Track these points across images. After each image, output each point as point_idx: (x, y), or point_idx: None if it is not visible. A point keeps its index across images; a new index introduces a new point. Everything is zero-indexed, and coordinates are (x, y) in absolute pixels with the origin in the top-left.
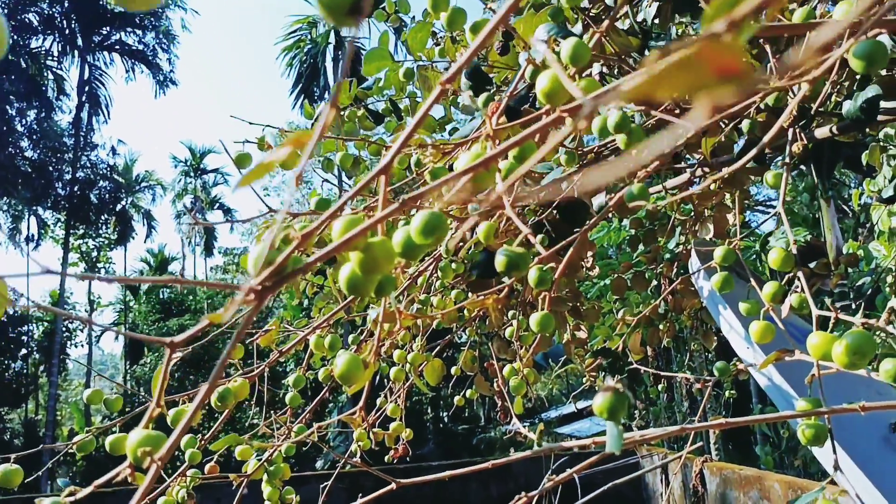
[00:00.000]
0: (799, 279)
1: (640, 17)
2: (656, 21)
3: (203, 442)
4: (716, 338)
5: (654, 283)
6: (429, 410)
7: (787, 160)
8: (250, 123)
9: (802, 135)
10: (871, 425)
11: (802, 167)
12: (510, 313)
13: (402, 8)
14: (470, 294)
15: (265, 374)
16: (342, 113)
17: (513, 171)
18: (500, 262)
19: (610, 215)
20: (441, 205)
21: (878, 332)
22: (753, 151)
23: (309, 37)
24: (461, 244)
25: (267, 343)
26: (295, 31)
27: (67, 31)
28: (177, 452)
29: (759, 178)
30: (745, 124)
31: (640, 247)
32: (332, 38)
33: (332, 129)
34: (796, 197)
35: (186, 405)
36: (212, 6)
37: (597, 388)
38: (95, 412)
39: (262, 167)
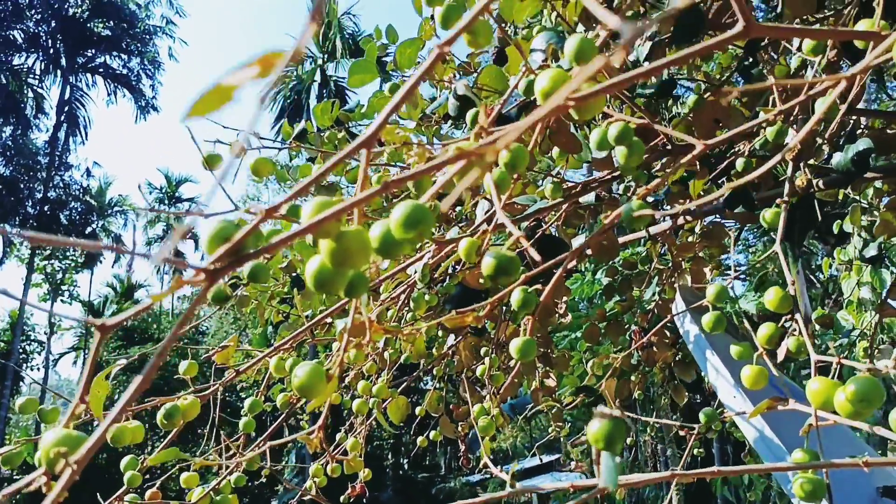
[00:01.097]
0: (796, 321)
1: (632, 57)
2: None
3: (144, 465)
4: (687, 395)
5: (627, 333)
6: (389, 456)
7: (787, 197)
8: (224, 127)
9: (807, 169)
10: (861, 486)
11: (773, 233)
12: (482, 351)
13: (389, 38)
14: (440, 331)
15: (218, 396)
16: (321, 134)
17: (503, 180)
18: (487, 265)
19: (582, 267)
20: (426, 198)
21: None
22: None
23: (295, 73)
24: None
25: (223, 361)
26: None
27: (52, 51)
28: (116, 476)
29: (738, 231)
30: (739, 163)
31: (615, 296)
32: (317, 77)
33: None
34: (766, 264)
35: (130, 423)
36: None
37: (593, 413)
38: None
39: (219, 92)
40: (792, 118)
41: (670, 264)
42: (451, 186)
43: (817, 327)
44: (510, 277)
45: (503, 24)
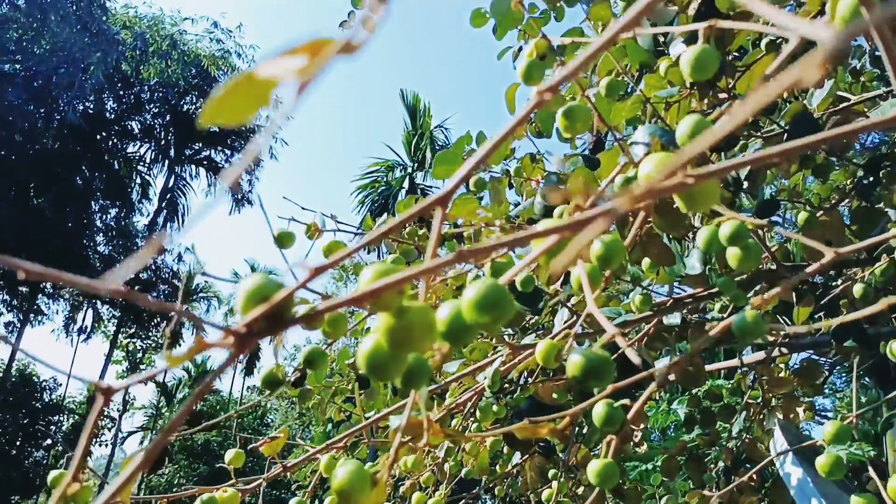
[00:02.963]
0: None
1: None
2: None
3: None
4: None
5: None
6: None
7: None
8: (303, 209)
9: None
10: None
11: (866, 378)
12: (550, 473)
13: (479, 143)
14: (506, 447)
15: (261, 491)
16: (403, 229)
17: (595, 276)
18: (575, 365)
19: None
20: (506, 279)
21: None
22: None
23: (385, 179)
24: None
25: (271, 453)
26: (372, 172)
27: (163, 142)
28: None
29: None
30: (857, 289)
31: (696, 428)
32: (405, 184)
33: (389, 248)
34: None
35: None
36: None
37: None
38: None
39: (251, 87)
40: None
41: (760, 399)
42: (533, 272)
43: None
44: (601, 381)
45: (599, 115)
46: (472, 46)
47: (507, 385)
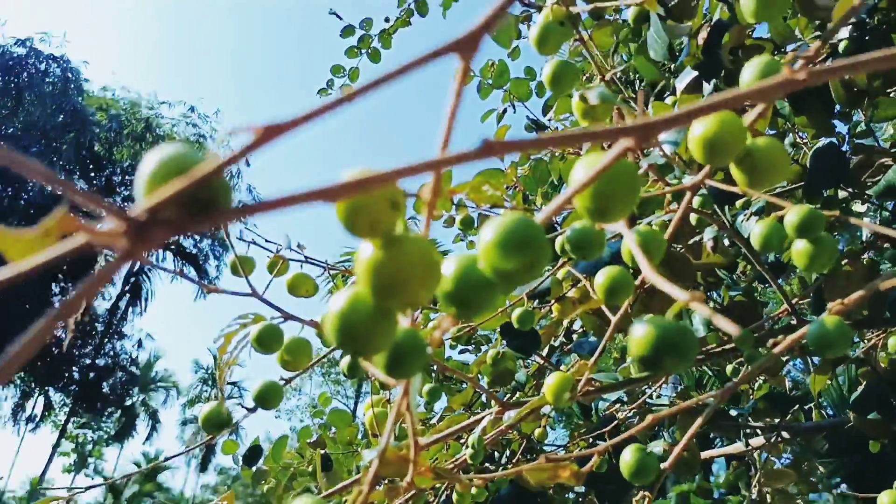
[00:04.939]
0: None
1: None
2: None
3: None
4: None
5: None
6: None
7: None
8: (266, 240)
9: None
10: None
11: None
12: None
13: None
14: None
15: None
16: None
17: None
18: (643, 339)
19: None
20: (543, 217)
21: None
22: None
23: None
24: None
25: None
26: (346, 260)
27: None
28: None
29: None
30: (892, 343)
31: None
32: None
33: None
34: None
35: None
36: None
37: None
38: None
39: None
40: None
41: (755, 496)
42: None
43: None
44: (683, 358)
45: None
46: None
47: (487, 464)
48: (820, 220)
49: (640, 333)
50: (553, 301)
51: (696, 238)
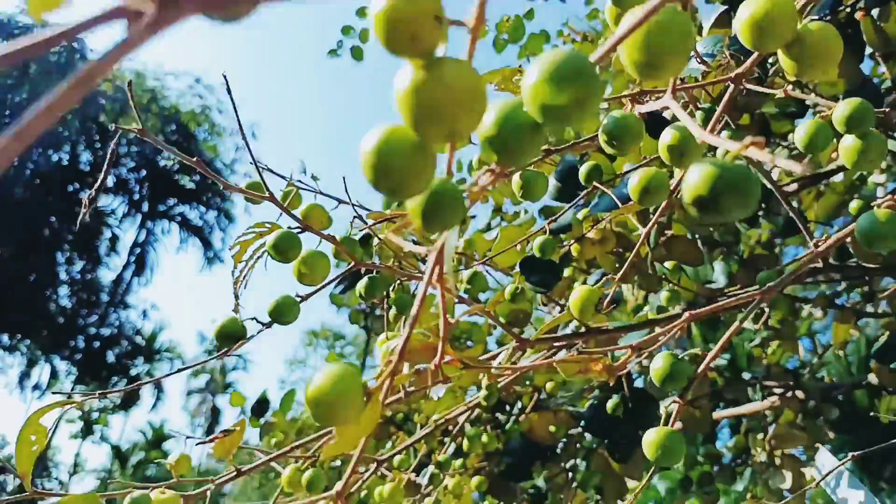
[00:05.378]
0: None
1: None
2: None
3: None
4: None
5: None
6: None
7: None
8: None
9: None
10: None
11: None
12: None
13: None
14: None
15: (209, 495)
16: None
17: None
18: (700, 179)
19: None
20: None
21: None
22: None
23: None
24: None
25: (223, 455)
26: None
27: (136, 196)
28: None
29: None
30: None
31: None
32: None
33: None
34: None
35: None
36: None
37: None
38: None
39: None
40: None
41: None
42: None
43: None
44: (744, 202)
45: None
46: None
47: (499, 415)
48: (870, 113)
49: (698, 173)
50: (573, 241)
51: None
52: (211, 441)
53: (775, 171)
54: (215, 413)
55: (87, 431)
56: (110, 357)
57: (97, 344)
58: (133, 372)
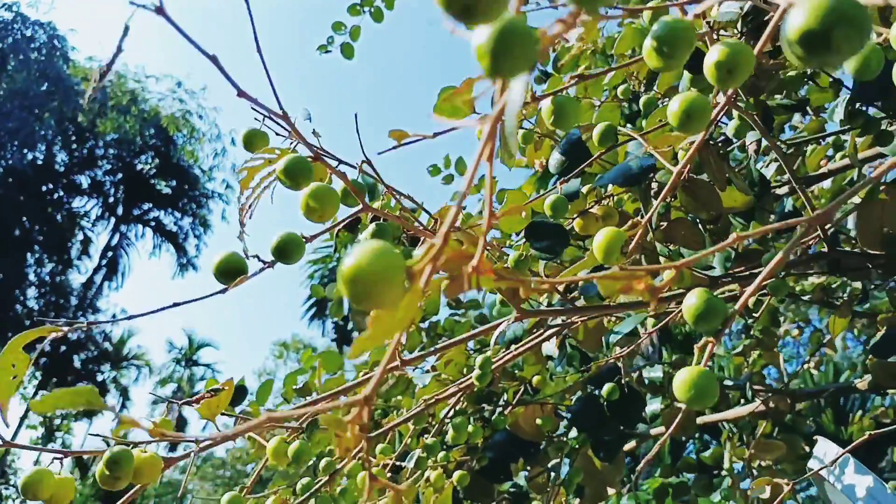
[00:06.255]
0: None
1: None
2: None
3: None
4: None
5: None
6: None
7: None
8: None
9: None
10: None
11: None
12: None
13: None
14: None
15: (193, 459)
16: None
17: None
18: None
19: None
20: None
21: None
22: None
23: (336, 255)
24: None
25: (209, 415)
26: (323, 248)
27: (111, 199)
28: None
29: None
30: None
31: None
32: None
33: None
34: None
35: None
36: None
37: None
38: None
39: None
40: None
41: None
42: None
43: None
44: (858, 34)
45: None
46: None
47: (485, 406)
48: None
49: (806, 6)
50: (576, 216)
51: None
52: (197, 402)
53: (770, 170)
54: (181, 423)
55: (48, 438)
56: (76, 362)
57: (63, 348)
58: (99, 378)
